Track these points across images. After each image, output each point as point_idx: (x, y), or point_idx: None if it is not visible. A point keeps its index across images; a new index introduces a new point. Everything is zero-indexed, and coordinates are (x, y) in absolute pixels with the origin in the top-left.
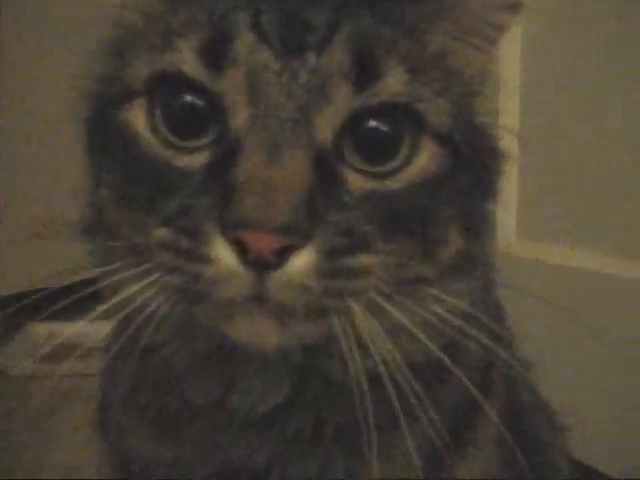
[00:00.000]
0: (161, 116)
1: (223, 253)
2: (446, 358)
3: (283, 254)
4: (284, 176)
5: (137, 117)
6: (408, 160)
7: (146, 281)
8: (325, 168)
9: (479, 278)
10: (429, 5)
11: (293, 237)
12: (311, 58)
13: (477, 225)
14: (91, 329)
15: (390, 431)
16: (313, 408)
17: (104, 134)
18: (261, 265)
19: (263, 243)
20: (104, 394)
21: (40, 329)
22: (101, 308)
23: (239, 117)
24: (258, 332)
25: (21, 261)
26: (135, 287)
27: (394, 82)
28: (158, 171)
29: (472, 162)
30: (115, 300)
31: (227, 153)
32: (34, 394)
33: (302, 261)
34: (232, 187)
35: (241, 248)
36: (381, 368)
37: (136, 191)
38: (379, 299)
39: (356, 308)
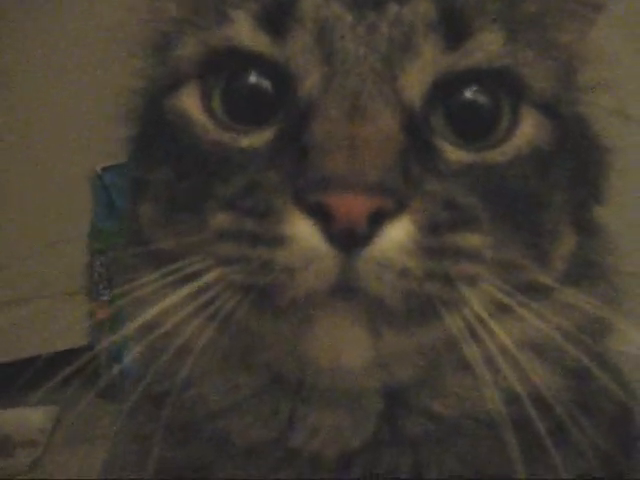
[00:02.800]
0: (219, 99)
1: (302, 228)
2: (597, 369)
3: (375, 221)
4: (371, 131)
5: (189, 101)
6: (510, 132)
7: (184, 290)
8: (416, 133)
9: (605, 292)
10: None
11: (387, 200)
12: (392, 9)
13: (592, 229)
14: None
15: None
16: (410, 449)
17: (153, 130)
18: (349, 239)
19: (352, 206)
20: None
21: None
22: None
23: (309, 81)
24: (344, 343)
25: None
26: (165, 302)
27: (490, 40)
28: (216, 155)
29: (578, 147)
30: (138, 322)
31: (297, 122)
32: None
33: (398, 233)
34: (308, 149)
35: (324, 218)
36: (519, 389)
37: (190, 183)
38: (505, 299)
39: (474, 300)
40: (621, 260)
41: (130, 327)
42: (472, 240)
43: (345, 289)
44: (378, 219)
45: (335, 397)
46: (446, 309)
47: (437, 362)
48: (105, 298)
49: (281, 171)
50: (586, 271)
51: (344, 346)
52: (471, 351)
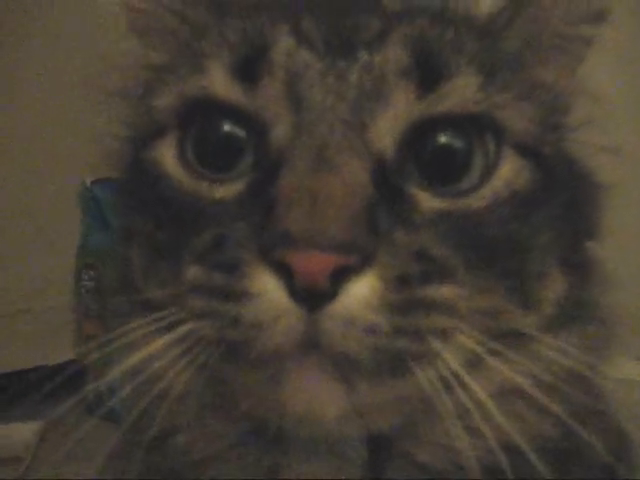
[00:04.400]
0: (192, 149)
1: (266, 284)
2: (580, 429)
3: (338, 278)
4: (336, 185)
5: (166, 154)
6: (487, 176)
7: (165, 338)
8: (388, 183)
9: (596, 333)
10: (502, 11)
11: (350, 256)
12: (362, 56)
13: (584, 267)
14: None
15: None
16: None
17: (134, 179)
18: (313, 295)
19: (313, 264)
20: None
21: None
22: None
23: (280, 129)
24: (316, 395)
25: None
26: (147, 349)
27: (465, 85)
28: (190, 207)
29: (565, 186)
30: (125, 366)
31: (268, 172)
32: None
33: (362, 289)
34: (273, 203)
35: (287, 275)
36: (498, 453)
37: (168, 234)
38: (479, 349)
39: (446, 355)
40: (617, 296)
41: (116, 371)
42: (445, 292)
43: (312, 344)
44: (341, 276)
45: (317, 447)
46: (417, 364)
47: (419, 411)
48: (93, 313)
49: (249, 224)
50: (577, 312)
51: (317, 398)
52: (444, 405)
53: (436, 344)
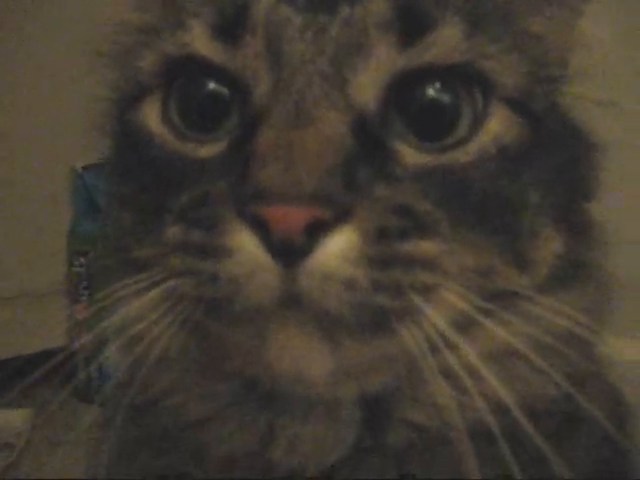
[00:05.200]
0: (177, 109)
1: (243, 240)
2: (577, 393)
3: (313, 233)
4: (312, 138)
5: (150, 114)
6: (474, 130)
7: (149, 295)
8: (369, 137)
9: (594, 296)
10: None
11: (324, 209)
12: (343, 10)
13: (581, 228)
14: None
15: None
16: (394, 460)
17: (121, 142)
18: (289, 250)
19: (286, 218)
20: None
21: None
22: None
23: (260, 88)
24: (301, 354)
25: None
26: (133, 306)
27: (449, 35)
28: (174, 167)
29: (559, 144)
30: (111, 322)
31: (248, 130)
32: None
33: (339, 243)
34: (250, 159)
35: (263, 230)
36: (486, 414)
37: (153, 195)
38: (469, 309)
39: (430, 311)
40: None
41: (104, 325)
42: (427, 248)
43: (293, 301)
44: (317, 230)
45: (311, 407)
46: (401, 322)
47: (409, 370)
48: (84, 299)
49: (228, 182)
50: (575, 273)
51: (302, 356)
52: (428, 366)
53: (418, 300)
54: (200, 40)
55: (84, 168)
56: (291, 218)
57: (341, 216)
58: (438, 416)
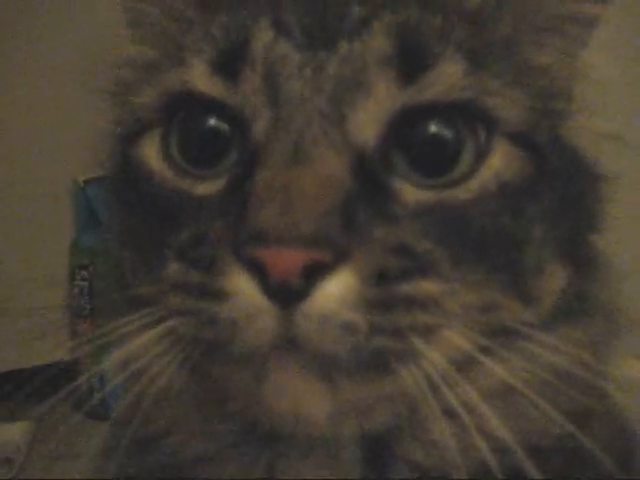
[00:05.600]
0: (177, 145)
1: (240, 283)
2: (579, 432)
3: (311, 275)
4: (310, 178)
5: (149, 150)
6: (476, 165)
7: (150, 333)
8: (369, 176)
9: (599, 330)
10: None
11: (322, 252)
12: (342, 46)
13: (586, 261)
14: None
15: None
16: None
17: (122, 177)
18: (286, 293)
19: (283, 260)
20: None
21: None
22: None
23: (259, 125)
24: (299, 395)
25: None
26: (134, 343)
27: (451, 72)
28: (174, 204)
29: (563, 177)
30: (112, 360)
31: (247, 168)
32: None
33: (337, 286)
34: (247, 200)
35: (261, 272)
36: (486, 453)
37: (153, 231)
38: (469, 347)
39: (430, 354)
40: (622, 290)
41: (103, 365)
42: (427, 288)
43: (291, 343)
44: (314, 273)
45: (312, 448)
46: (401, 363)
47: (410, 409)
48: (86, 313)
49: (226, 222)
50: (580, 306)
51: (301, 397)
52: (429, 405)
53: (419, 343)
54: (200, 77)
55: (86, 182)
56: (288, 261)
57: (339, 258)
58: (439, 455)
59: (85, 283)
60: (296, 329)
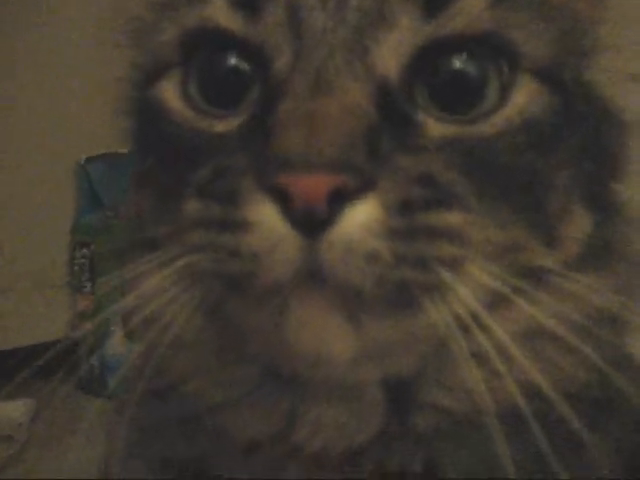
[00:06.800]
0: (197, 84)
1: (263, 212)
2: (614, 374)
3: (336, 201)
4: (334, 106)
5: (168, 90)
6: (501, 101)
7: (164, 273)
8: (392, 108)
9: (625, 275)
10: None
11: (347, 178)
12: None
13: (610, 208)
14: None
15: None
16: (421, 444)
17: (142, 121)
18: (310, 221)
19: (308, 185)
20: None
21: None
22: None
23: (282, 59)
24: (322, 332)
25: None
26: (144, 286)
27: (474, 4)
28: (193, 143)
29: (587, 121)
30: (123, 303)
31: (269, 103)
32: None
33: (362, 214)
34: (270, 129)
35: (284, 200)
36: (517, 396)
37: (172, 172)
38: (498, 285)
39: (457, 286)
40: None
41: (115, 308)
42: (451, 219)
43: (314, 275)
44: (339, 199)
45: (334, 391)
46: (427, 297)
47: (439, 352)
48: (87, 290)
49: (248, 154)
50: (604, 252)
51: (324, 336)
52: (459, 346)
53: (444, 274)
54: (220, 12)
55: (87, 160)
56: (313, 186)
57: (364, 186)
58: (466, 400)
59: (85, 261)
60: (320, 259)
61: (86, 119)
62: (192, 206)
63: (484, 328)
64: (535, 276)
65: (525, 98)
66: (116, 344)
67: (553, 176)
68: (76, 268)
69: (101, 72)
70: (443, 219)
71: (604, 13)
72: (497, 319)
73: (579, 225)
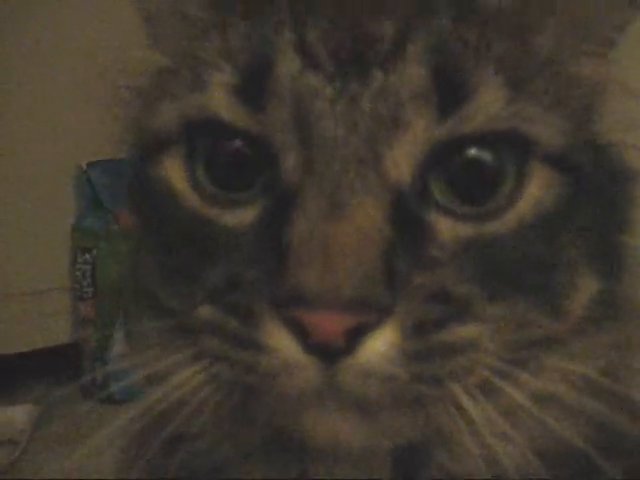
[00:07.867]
0: (203, 168)
1: (279, 339)
2: (592, 450)
3: (355, 337)
4: (349, 233)
5: (173, 171)
6: (515, 194)
7: (193, 369)
8: (406, 215)
9: (628, 328)
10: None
11: (365, 314)
12: (376, 78)
13: (616, 261)
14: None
15: None
16: None
17: (140, 191)
18: (328, 352)
19: (326, 326)
20: None
21: None
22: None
23: (290, 162)
24: (336, 429)
25: None
26: (178, 377)
27: (491, 101)
28: (202, 233)
29: (598, 188)
30: (154, 397)
31: (280, 207)
32: None
33: (381, 343)
34: (285, 252)
35: (301, 330)
36: (529, 457)
37: (178, 258)
38: (494, 379)
39: (463, 395)
40: None
41: (137, 375)
42: (466, 332)
43: (331, 389)
44: (357, 333)
45: (344, 456)
46: (434, 402)
47: (446, 424)
48: (88, 296)
49: (262, 269)
50: (611, 309)
51: (338, 430)
52: (456, 426)
53: (456, 389)
54: (221, 103)
55: (89, 165)
56: (330, 324)
57: (383, 316)
58: (476, 466)
59: (88, 266)
60: (337, 381)
61: (87, 124)
62: (206, 312)
63: (480, 406)
64: (538, 345)
65: (538, 190)
66: (120, 350)
67: (560, 256)
68: (78, 274)
69: (101, 77)
70: (457, 334)
71: (609, 78)
72: (493, 395)
73: (585, 293)
